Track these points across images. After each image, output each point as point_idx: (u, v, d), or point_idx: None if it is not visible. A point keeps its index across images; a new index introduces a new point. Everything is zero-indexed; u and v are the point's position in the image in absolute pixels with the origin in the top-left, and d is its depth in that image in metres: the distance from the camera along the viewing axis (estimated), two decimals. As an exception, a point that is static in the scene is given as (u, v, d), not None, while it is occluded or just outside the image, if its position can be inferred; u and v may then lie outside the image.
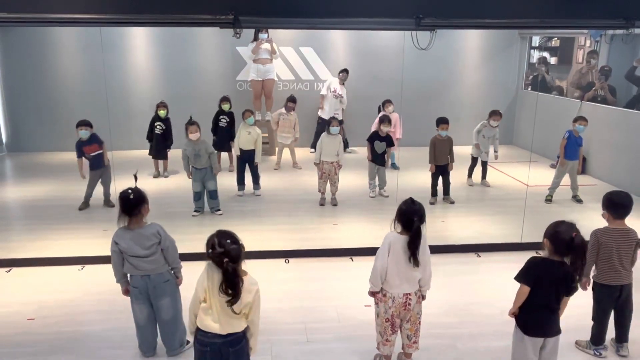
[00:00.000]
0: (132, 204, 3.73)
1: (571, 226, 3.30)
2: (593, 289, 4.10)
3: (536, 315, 3.43)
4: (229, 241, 2.99)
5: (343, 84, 10.35)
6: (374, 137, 7.69)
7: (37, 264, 5.64)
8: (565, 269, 3.31)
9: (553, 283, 3.33)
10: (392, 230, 3.64)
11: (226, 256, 2.96)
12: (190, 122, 6.90)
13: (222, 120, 8.94)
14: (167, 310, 3.92)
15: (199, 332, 3.20)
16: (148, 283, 3.83)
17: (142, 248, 3.76)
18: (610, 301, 4.05)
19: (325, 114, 10.20)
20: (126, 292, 4.00)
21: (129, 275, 3.92)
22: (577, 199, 7.68)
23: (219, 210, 7.14)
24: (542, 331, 3.44)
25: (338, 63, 10.82)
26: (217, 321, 3.13)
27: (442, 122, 7.50)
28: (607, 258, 3.95)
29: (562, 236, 3.27)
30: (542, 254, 3.47)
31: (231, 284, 2.99)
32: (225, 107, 8.93)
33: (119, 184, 6.99)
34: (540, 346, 3.47)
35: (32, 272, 5.51)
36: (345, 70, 10.34)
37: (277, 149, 9.76)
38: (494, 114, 8.21)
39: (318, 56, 11.02)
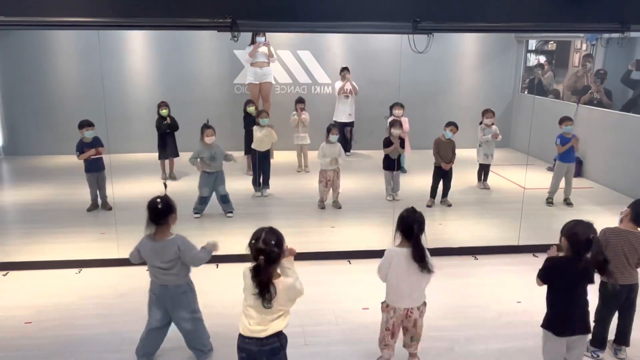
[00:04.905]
0: (160, 213, 3.76)
1: (589, 226, 3.31)
2: (600, 289, 4.06)
3: (562, 314, 3.41)
4: (273, 242, 3.04)
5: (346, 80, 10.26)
6: (388, 144, 7.59)
7: (34, 267, 5.63)
8: (583, 264, 3.30)
9: (573, 280, 3.32)
10: (393, 241, 3.63)
11: (262, 254, 3.00)
12: (207, 126, 6.96)
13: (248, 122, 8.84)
14: (187, 321, 3.93)
15: (238, 337, 3.20)
16: (165, 293, 3.86)
17: (162, 261, 3.78)
18: (617, 301, 4.03)
19: (338, 117, 10.34)
20: None
21: (149, 279, 3.93)
22: (567, 202, 7.71)
23: (231, 212, 7.16)
24: (568, 329, 3.41)
25: (336, 66, 10.82)
26: (253, 320, 3.13)
27: (451, 124, 7.60)
28: (617, 258, 3.92)
29: (579, 237, 3.28)
30: (560, 253, 3.46)
31: (260, 281, 3.01)
32: (251, 110, 8.87)
33: (117, 187, 6.99)
34: (569, 345, 3.45)
35: (29, 275, 5.50)
36: (345, 69, 10.29)
37: (296, 152, 9.71)
38: (487, 112, 8.34)
39: (316, 59, 11.03)
